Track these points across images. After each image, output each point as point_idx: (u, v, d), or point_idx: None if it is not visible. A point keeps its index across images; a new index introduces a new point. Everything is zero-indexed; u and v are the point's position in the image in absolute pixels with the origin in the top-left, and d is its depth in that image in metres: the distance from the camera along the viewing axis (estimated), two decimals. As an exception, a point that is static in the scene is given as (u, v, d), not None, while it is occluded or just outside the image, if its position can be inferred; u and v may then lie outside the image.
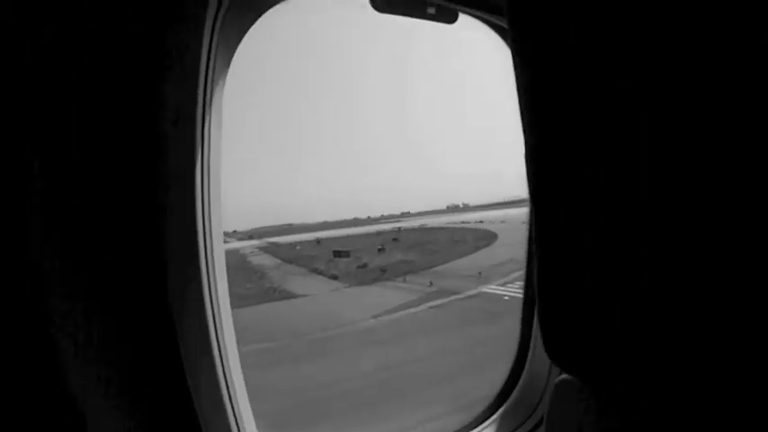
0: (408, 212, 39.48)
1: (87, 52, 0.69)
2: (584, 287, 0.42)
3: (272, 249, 29.41)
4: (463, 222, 28.39)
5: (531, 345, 1.39)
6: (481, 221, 27.42)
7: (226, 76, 0.88)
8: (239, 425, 0.90)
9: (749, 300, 0.35)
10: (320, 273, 21.44)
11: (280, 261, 25.62)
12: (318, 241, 28.81)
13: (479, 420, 1.36)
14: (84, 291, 0.71)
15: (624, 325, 0.40)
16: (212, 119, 0.83)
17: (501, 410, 1.38)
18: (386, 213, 39.68)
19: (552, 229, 0.44)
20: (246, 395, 0.94)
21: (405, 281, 18.02)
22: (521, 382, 1.40)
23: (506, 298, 14.18)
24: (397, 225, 31.28)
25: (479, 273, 17.28)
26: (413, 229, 28.16)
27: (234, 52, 0.89)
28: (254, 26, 0.92)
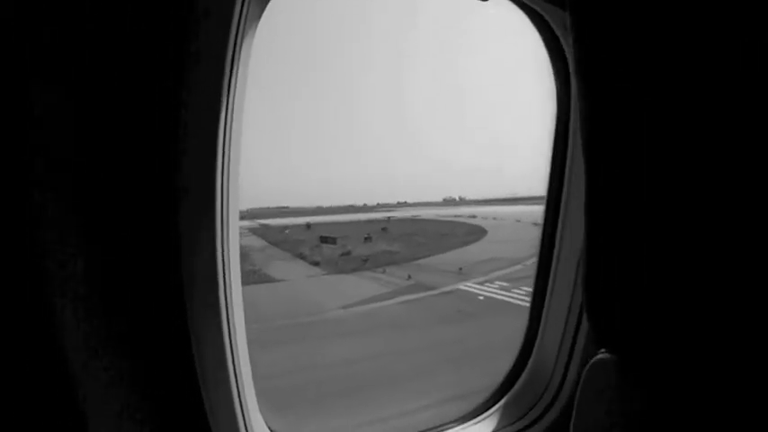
0: (405, 202, 39.70)
1: (105, 36, 0.69)
2: (631, 273, 0.45)
3: (261, 231, 29.27)
4: (456, 216, 28.02)
5: (540, 333, 1.36)
6: (474, 216, 27.18)
7: (249, 62, 0.87)
8: (246, 422, 0.90)
9: None
10: (303, 258, 21.24)
11: (267, 243, 25.57)
12: (308, 226, 28.56)
13: (483, 408, 1.34)
14: (97, 287, 0.70)
15: (666, 307, 0.43)
16: (235, 106, 0.83)
17: (504, 399, 1.36)
18: (382, 202, 39.84)
19: (602, 217, 0.46)
20: (254, 392, 0.95)
21: (384, 272, 17.74)
22: (526, 371, 1.38)
23: (481, 298, 13.83)
24: (389, 215, 30.71)
25: (460, 269, 16.93)
26: (403, 220, 27.93)
27: (253, 40, 0.88)
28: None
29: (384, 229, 26.11)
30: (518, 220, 24.53)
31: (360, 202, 41.33)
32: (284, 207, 42.25)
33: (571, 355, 1.33)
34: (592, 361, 0.57)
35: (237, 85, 0.83)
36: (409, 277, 16.54)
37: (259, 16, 0.87)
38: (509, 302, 13.09)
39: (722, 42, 0.35)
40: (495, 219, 25.61)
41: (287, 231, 28.69)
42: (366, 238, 23.76)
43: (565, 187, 1.31)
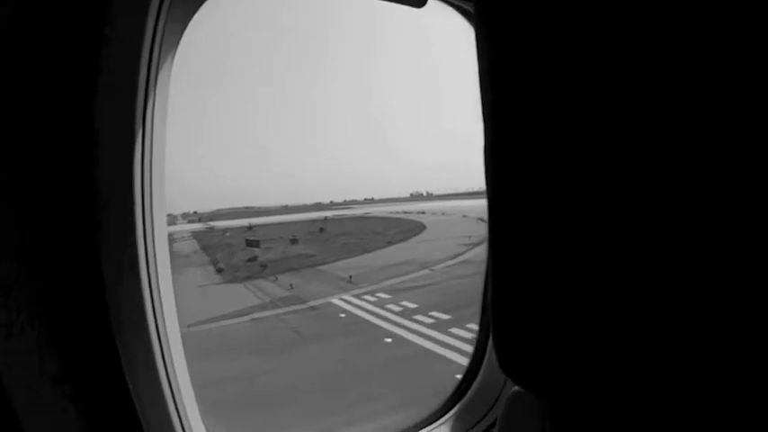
0: (373, 199, 38.82)
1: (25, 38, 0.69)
2: (539, 298, 0.42)
3: (202, 235, 27.90)
4: (405, 213, 26.13)
5: (489, 346, 1.32)
6: (423, 212, 25.44)
7: (175, 53, 0.84)
8: (182, 419, 0.87)
9: (705, 315, 0.35)
10: (215, 264, 19.73)
11: (198, 249, 24.32)
12: (250, 227, 27.27)
13: (433, 419, 1.30)
14: (26, 294, 0.71)
15: (578, 338, 0.40)
16: (156, 106, 0.81)
17: (455, 410, 1.32)
18: (349, 199, 38.79)
19: (508, 231, 0.44)
20: (191, 388, 0.90)
21: (276, 280, 15.82)
22: (477, 379, 1.34)
23: (342, 315, 11.72)
24: (345, 212, 29.19)
25: (350, 276, 14.84)
26: (341, 219, 26.08)
27: (183, 32, 0.85)
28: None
29: (321, 229, 24.71)
30: (464, 216, 22.39)
31: (327, 200, 39.75)
32: (250, 207, 41.53)
33: None
34: (509, 395, 0.55)
35: (158, 87, 0.80)
36: (291, 287, 14.70)
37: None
38: (368, 321, 10.99)
39: (625, 36, 0.34)
40: (443, 214, 24.15)
41: (228, 234, 27.36)
42: (292, 240, 22.12)
43: None
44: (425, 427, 1.26)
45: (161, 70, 0.79)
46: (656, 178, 0.34)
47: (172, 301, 0.85)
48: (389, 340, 9.70)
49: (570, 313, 0.40)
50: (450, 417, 1.31)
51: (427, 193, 37.29)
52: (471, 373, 1.35)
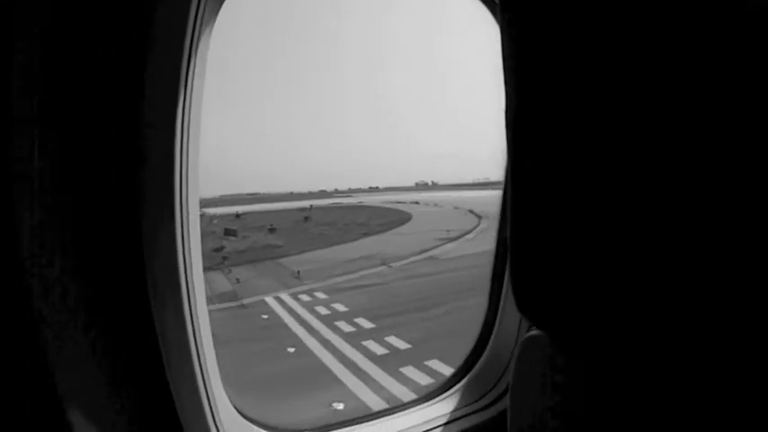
0: (377, 187, 37.64)
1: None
2: (556, 245, 0.44)
3: (192, 221, 27.47)
4: (398, 202, 24.89)
5: (498, 316, 1.32)
6: (417, 202, 24.41)
7: (209, 44, 0.85)
8: (215, 416, 0.90)
9: (708, 262, 0.38)
10: None
11: None
12: (238, 215, 26.60)
13: (443, 389, 1.30)
14: (76, 292, 0.72)
15: (592, 281, 0.43)
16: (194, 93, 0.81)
17: (464, 380, 1.32)
18: (354, 187, 37.76)
19: (527, 188, 0.46)
20: (221, 384, 0.92)
21: (229, 272, 14.91)
22: (485, 353, 1.34)
23: (265, 317, 10.50)
24: (328, 201, 28.34)
25: (298, 272, 13.84)
26: (330, 208, 25.13)
27: (215, 19, 0.86)
28: None
29: (306, 218, 23.58)
30: (456, 208, 20.94)
31: (331, 188, 38.95)
32: (255, 193, 41.25)
33: None
34: (524, 337, 0.57)
35: (195, 79, 0.81)
36: (237, 281, 13.79)
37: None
38: (286, 325, 9.75)
39: (652, 45, 0.37)
40: (436, 205, 22.65)
41: (214, 221, 26.82)
42: (270, 230, 21.14)
43: None
44: (434, 398, 1.26)
45: (197, 68, 0.80)
46: (655, 158, 0.37)
47: (205, 310, 0.88)
48: (292, 350, 8.38)
49: (585, 256, 0.42)
50: (457, 389, 1.28)
51: (432, 182, 36.14)
52: (480, 346, 1.34)
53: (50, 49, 0.66)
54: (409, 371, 7.20)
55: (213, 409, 0.87)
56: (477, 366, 1.30)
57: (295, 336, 9.16)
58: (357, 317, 9.62)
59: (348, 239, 17.99)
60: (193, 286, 0.82)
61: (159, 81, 0.74)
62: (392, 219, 21.04)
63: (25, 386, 0.67)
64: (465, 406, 1.25)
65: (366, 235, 18.17)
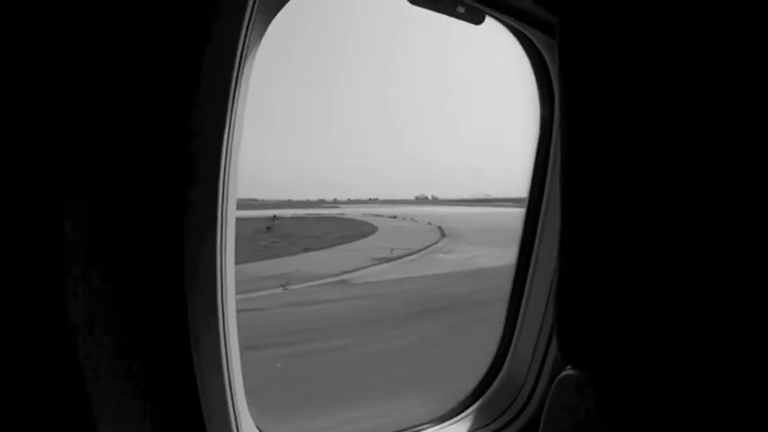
0: (377, 199, 36.02)
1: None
2: (605, 293, 0.47)
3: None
4: (377, 215, 22.94)
5: (514, 342, 1.37)
6: (394, 216, 23.59)
7: (258, 47, 0.85)
8: (238, 423, 0.90)
9: (755, 305, 0.39)
10: None
11: None
12: None
13: (455, 412, 1.33)
14: (112, 293, 0.72)
15: (634, 326, 0.45)
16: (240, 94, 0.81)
17: (479, 402, 1.35)
18: (353, 198, 36.05)
19: (576, 234, 0.49)
20: (243, 392, 0.93)
21: None
22: (499, 377, 1.39)
23: None
24: (335, 211, 27.33)
25: None
26: (299, 218, 23.72)
27: (265, 30, 0.87)
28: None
29: (268, 228, 21.68)
30: (429, 223, 18.81)
31: (331, 197, 37.20)
32: (253, 199, 40.36)
33: (542, 367, 1.33)
34: (559, 377, 0.58)
35: (242, 85, 0.80)
36: None
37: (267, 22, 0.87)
38: None
39: (702, 81, 0.39)
40: (413, 220, 22.31)
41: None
42: None
43: (543, 206, 1.32)
44: (448, 419, 1.28)
45: (244, 75, 0.80)
46: (703, 203, 0.38)
47: (233, 312, 0.87)
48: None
49: (632, 305, 0.44)
50: (470, 413, 1.31)
51: (432, 197, 34.94)
52: (494, 370, 1.37)
53: (94, 53, 0.64)
54: None
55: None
56: (491, 390, 1.34)
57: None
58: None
59: (289, 253, 15.64)
60: (227, 309, 0.82)
61: (209, 96, 0.73)
62: (353, 233, 18.64)
63: (58, 397, 0.67)
64: (477, 429, 1.28)
65: (308, 250, 15.78)
